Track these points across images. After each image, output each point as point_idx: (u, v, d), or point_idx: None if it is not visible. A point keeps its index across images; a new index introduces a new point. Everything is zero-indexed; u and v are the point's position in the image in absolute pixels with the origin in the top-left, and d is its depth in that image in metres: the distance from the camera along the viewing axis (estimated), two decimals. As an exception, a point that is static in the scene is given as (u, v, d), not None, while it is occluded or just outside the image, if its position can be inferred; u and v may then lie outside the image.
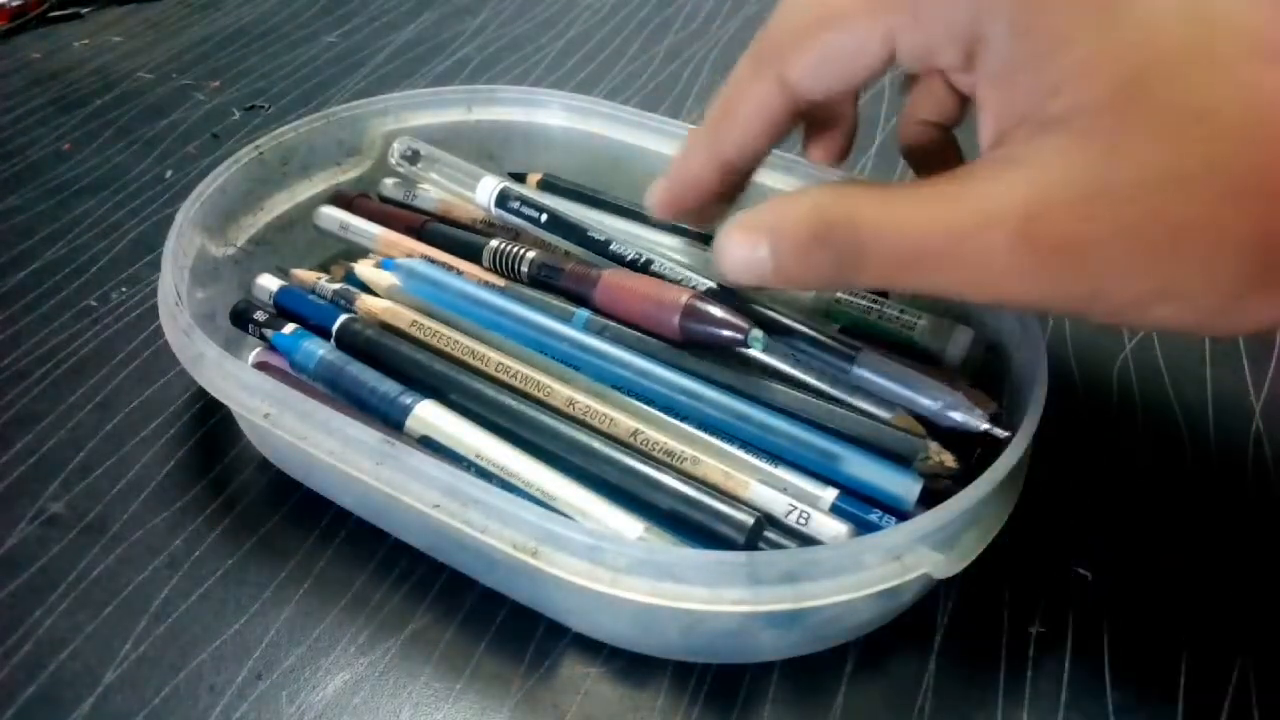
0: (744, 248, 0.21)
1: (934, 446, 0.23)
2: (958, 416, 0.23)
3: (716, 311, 0.24)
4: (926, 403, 0.24)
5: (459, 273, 0.29)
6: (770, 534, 0.22)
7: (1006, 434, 0.23)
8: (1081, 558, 0.26)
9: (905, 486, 0.23)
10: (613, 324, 0.26)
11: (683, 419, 0.25)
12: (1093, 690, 0.23)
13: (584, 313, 0.27)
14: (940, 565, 0.21)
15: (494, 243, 0.29)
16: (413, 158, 0.31)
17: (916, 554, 0.21)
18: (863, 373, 0.25)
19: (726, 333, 0.24)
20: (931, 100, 0.23)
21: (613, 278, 0.27)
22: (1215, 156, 0.17)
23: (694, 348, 0.25)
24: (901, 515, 0.22)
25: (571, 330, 0.26)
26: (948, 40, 0.19)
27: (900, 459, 0.23)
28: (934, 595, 0.25)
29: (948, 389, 0.24)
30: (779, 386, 0.25)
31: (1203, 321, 0.18)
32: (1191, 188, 0.17)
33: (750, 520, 0.22)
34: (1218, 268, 0.17)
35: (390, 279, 0.28)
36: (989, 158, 0.19)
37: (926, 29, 0.20)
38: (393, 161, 0.32)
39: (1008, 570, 0.25)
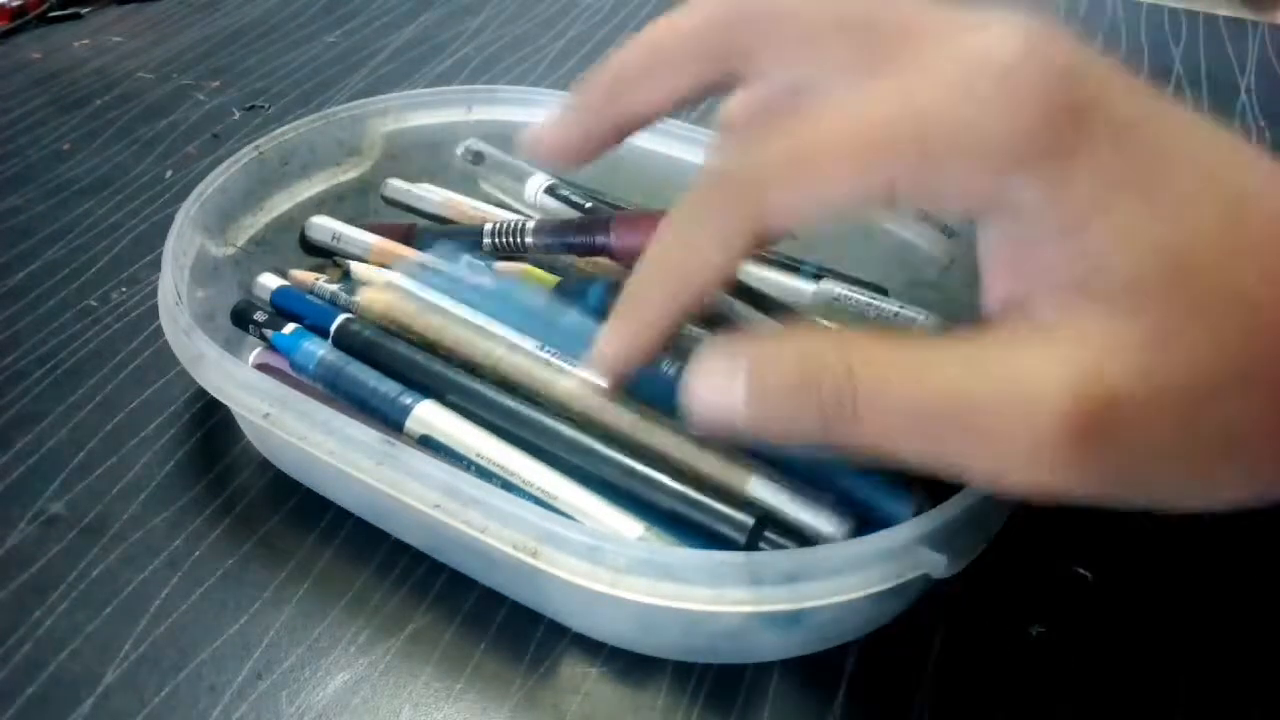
0: (717, 378, 0.18)
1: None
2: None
3: None
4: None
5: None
6: (771, 533, 0.22)
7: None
8: (1082, 558, 0.26)
9: (900, 504, 0.23)
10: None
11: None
12: (1093, 690, 0.23)
13: (603, 283, 0.26)
14: (940, 565, 0.20)
15: (489, 225, 0.28)
16: (476, 159, 0.31)
17: (916, 554, 0.20)
18: None
19: None
20: None
21: (625, 219, 0.26)
22: (1261, 352, 0.16)
23: None
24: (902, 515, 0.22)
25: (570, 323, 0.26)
26: (959, 197, 0.17)
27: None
28: (934, 595, 0.25)
29: None
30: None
31: (1222, 506, 0.18)
32: (1241, 386, 0.16)
33: (751, 520, 0.22)
34: (1260, 468, 0.17)
35: (386, 279, 0.28)
36: (1012, 324, 0.18)
37: (936, 185, 0.17)
38: (459, 165, 0.32)
39: (1008, 570, 0.25)
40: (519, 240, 0.28)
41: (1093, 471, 0.16)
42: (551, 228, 0.27)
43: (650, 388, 0.25)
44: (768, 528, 0.22)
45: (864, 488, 0.23)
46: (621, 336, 0.21)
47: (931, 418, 0.17)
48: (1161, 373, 0.16)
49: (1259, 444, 0.17)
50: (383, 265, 0.29)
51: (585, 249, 0.27)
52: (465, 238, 0.29)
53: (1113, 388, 0.16)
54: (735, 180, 0.19)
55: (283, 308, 0.28)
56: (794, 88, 0.20)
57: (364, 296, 0.28)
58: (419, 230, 0.31)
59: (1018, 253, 0.18)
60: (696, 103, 0.22)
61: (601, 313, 0.25)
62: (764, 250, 0.22)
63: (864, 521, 0.23)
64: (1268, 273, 0.16)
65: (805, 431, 0.18)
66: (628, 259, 0.25)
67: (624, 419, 0.24)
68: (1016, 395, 0.16)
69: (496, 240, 0.28)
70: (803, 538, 0.22)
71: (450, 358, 0.26)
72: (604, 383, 0.22)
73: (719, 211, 0.19)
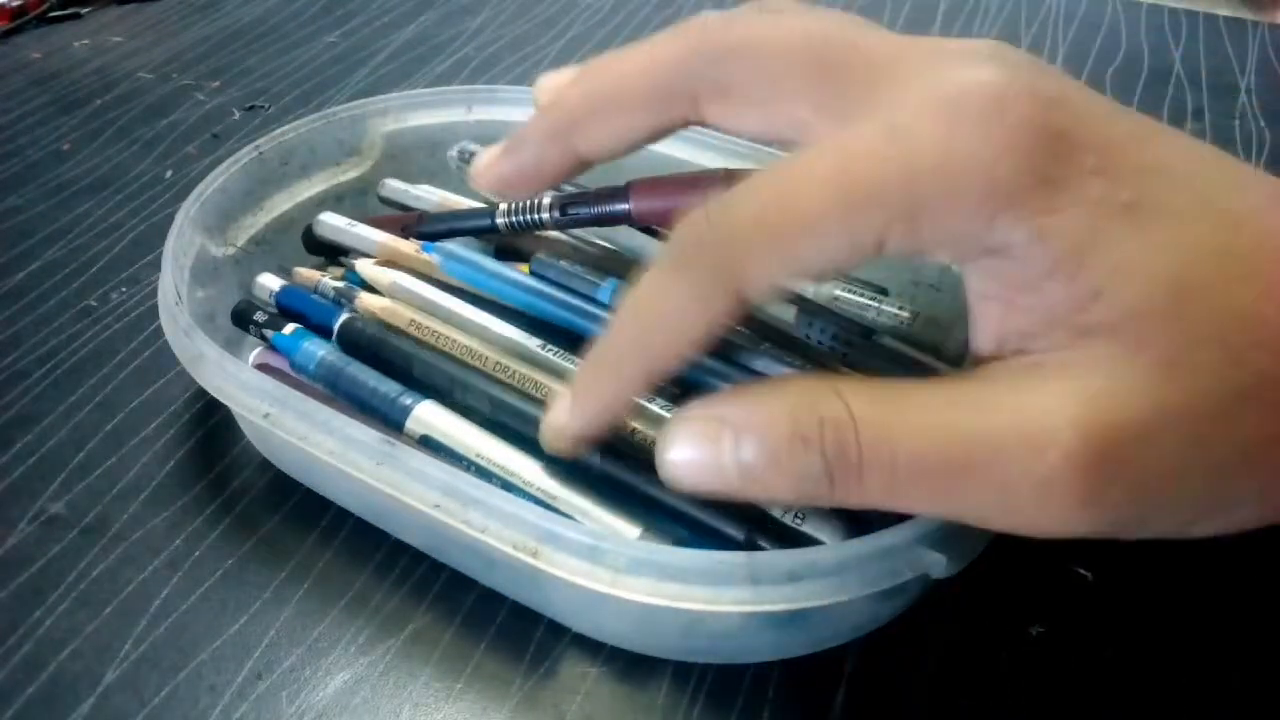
0: (701, 444, 0.17)
1: None
2: None
3: None
4: None
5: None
6: (768, 532, 0.22)
7: None
8: (1081, 558, 0.26)
9: None
10: None
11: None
12: (1093, 690, 0.23)
13: (612, 283, 0.26)
14: (940, 565, 0.20)
15: (504, 204, 0.28)
16: (470, 160, 0.31)
17: (916, 554, 0.20)
18: None
19: None
20: None
21: (642, 185, 0.26)
22: (1267, 368, 0.16)
23: None
24: (901, 515, 0.22)
25: (597, 310, 0.26)
26: (949, 245, 0.17)
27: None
28: (934, 595, 0.24)
29: None
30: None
31: (1237, 529, 0.17)
32: (1250, 404, 0.16)
33: (748, 520, 0.22)
34: (1274, 483, 0.17)
35: (391, 277, 0.28)
36: (1011, 364, 0.17)
37: (926, 236, 0.17)
38: (452, 167, 0.32)
39: (1007, 570, 0.25)
40: (535, 216, 0.28)
41: (1104, 506, 0.16)
42: (568, 200, 0.27)
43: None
44: (767, 524, 0.22)
45: None
46: (583, 407, 0.20)
47: (941, 463, 0.16)
48: (1170, 400, 0.16)
49: (1271, 458, 0.16)
50: (390, 263, 0.29)
51: (604, 218, 0.27)
52: (473, 219, 0.29)
53: (1121, 420, 0.16)
54: (711, 241, 0.17)
55: (287, 307, 0.28)
56: (764, 132, 0.19)
57: (360, 302, 0.28)
58: (426, 215, 0.31)
59: (1010, 293, 0.17)
60: (652, 143, 0.21)
61: None
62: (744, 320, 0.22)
63: None
64: (1267, 289, 0.16)
65: (802, 490, 0.17)
66: (648, 224, 0.25)
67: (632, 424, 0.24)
68: (1025, 435, 0.16)
69: (512, 219, 0.28)
70: (798, 536, 0.22)
71: (450, 358, 0.26)
72: (558, 451, 0.21)
73: (694, 277, 0.18)
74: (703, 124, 0.20)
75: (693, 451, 0.17)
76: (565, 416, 0.20)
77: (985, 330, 0.18)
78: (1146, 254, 0.16)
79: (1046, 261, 0.16)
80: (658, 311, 0.18)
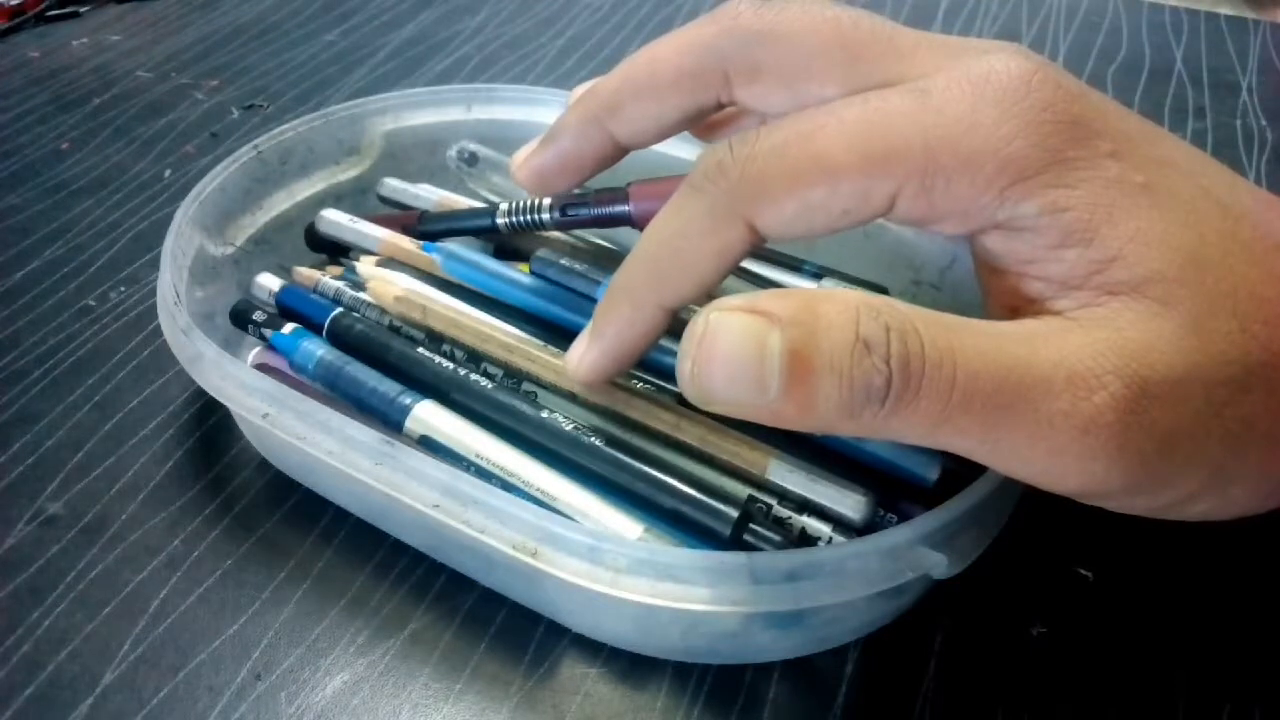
0: (740, 339, 0.15)
1: None
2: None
3: None
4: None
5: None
6: (757, 527, 0.22)
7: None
8: (1082, 558, 0.26)
9: (926, 464, 0.23)
10: None
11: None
12: (1094, 690, 0.23)
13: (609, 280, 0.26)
14: (941, 566, 0.20)
15: (504, 205, 0.28)
16: (470, 160, 0.31)
17: (917, 554, 0.20)
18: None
19: None
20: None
21: (642, 187, 0.26)
22: (1272, 345, 0.16)
23: None
24: (903, 515, 0.22)
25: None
26: (959, 215, 0.17)
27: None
28: (935, 596, 0.24)
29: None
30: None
31: (1226, 514, 0.18)
32: (1258, 379, 0.16)
33: (735, 513, 0.22)
34: (1273, 463, 0.17)
35: (391, 276, 0.28)
36: (1041, 318, 0.17)
37: (938, 201, 0.17)
38: (451, 167, 0.32)
39: (1009, 571, 0.25)
40: (536, 216, 0.27)
41: (1134, 458, 0.16)
42: (568, 202, 0.27)
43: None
44: (754, 520, 0.22)
45: (888, 448, 0.23)
46: (601, 340, 0.20)
47: (994, 390, 0.16)
48: (1196, 361, 0.16)
49: (1274, 434, 0.17)
50: (392, 260, 0.29)
51: (604, 220, 0.27)
52: (473, 219, 0.29)
53: (1157, 374, 0.16)
54: (730, 168, 0.18)
55: (288, 307, 0.28)
56: (792, 108, 0.20)
57: (374, 285, 0.28)
58: (426, 215, 0.31)
59: (1020, 264, 0.18)
60: (686, 128, 0.22)
61: None
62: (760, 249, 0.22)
63: (887, 483, 0.23)
64: (1269, 274, 0.17)
65: (856, 406, 0.15)
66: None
67: (638, 404, 0.24)
68: (1073, 375, 0.16)
69: (513, 219, 0.28)
70: (795, 535, 0.22)
71: (460, 344, 0.26)
72: (579, 387, 0.21)
73: (708, 201, 0.18)
74: (734, 105, 0.21)
75: (728, 348, 0.15)
76: (584, 345, 0.21)
77: (998, 299, 0.18)
78: (1163, 226, 0.16)
79: (1057, 233, 0.17)
80: (670, 232, 0.19)
